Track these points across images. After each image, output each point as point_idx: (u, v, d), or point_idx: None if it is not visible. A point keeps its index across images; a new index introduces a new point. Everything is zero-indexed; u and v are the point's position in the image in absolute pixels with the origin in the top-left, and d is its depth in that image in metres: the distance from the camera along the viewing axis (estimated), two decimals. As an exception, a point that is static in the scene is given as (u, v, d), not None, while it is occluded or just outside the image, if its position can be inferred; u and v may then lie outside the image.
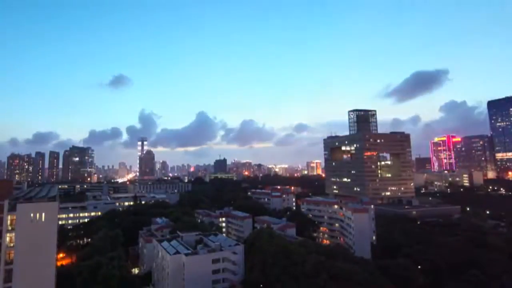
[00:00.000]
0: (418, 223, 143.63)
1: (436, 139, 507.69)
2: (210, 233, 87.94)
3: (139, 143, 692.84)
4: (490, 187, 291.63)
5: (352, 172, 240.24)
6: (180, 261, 65.21)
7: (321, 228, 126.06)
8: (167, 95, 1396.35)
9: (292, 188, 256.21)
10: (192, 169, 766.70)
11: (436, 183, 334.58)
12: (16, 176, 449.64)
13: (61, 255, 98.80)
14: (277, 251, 71.45)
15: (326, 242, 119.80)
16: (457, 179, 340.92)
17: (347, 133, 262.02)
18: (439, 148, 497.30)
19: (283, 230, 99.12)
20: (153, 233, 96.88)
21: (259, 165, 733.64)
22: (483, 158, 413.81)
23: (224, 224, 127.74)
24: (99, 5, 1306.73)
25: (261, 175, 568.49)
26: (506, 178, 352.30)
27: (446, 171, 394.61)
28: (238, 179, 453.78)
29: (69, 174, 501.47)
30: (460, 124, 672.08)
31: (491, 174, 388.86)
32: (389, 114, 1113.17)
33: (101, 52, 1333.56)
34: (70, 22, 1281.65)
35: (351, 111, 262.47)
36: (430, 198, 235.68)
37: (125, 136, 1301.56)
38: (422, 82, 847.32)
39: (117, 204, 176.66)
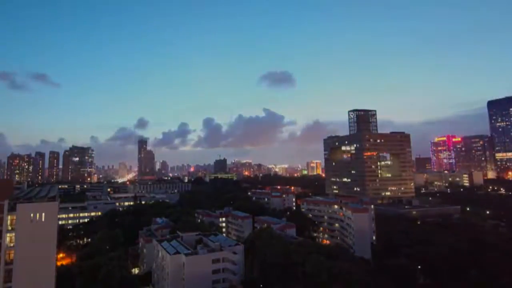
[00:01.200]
0: (418, 223, 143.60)
1: (436, 139, 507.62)
2: (210, 233, 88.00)
3: (139, 143, 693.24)
4: (490, 187, 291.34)
5: (352, 172, 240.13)
6: (180, 261, 65.24)
7: (321, 228, 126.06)
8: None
9: (292, 188, 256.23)
10: (192, 169, 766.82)
11: (436, 183, 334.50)
12: (16, 176, 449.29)
13: (61, 255, 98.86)
14: (277, 251, 71.52)
15: (326, 242, 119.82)
16: (457, 179, 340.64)
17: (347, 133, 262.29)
18: (439, 148, 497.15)
19: (283, 230, 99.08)
20: (153, 233, 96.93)
21: (259, 165, 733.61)
22: (483, 158, 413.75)
23: (224, 224, 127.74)
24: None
25: (261, 175, 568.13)
26: (506, 178, 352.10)
27: (446, 171, 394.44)
28: (238, 179, 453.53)
29: (69, 174, 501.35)
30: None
31: (491, 174, 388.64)
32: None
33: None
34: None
35: (351, 111, 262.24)
36: (430, 198, 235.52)
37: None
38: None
39: (117, 204, 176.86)
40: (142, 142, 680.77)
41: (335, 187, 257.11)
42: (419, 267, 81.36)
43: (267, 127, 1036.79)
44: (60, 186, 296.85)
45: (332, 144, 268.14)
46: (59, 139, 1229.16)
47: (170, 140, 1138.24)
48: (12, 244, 51.69)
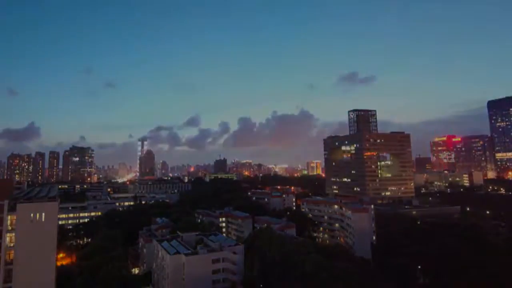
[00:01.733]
0: (418, 223, 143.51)
1: (436, 139, 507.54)
2: (210, 233, 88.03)
3: (139, 143, 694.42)
4: (490, 187, 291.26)
5: (352, 172, 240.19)
6: (180, 261, 65.25)
7: (321, 228, 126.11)
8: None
9: (292, 188, 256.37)
10: (192, 169, 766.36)
11: (436, 183, 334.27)
12: (16, 176, 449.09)
13: (61, 255, 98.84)
14: (277, 251, 71.54)
15: (326, 242, 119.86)
16: (457, 179, 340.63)
17: (347, 133, 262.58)
18: (439, 148, 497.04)
19: (283, 230, 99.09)
20: (153, 233, 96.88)
21: (259, 165, 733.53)
22: (483, 158, 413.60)
23: (224, 224, 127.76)
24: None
25: (261, 175, 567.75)
26: (506, 178, 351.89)
27: (446, 171, 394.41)
28: (238, 179, 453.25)
29: (69, 174, 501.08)
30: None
31: (491, 174, 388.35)
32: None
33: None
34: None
35: (351, 111, 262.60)
36: (430, 198, 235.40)
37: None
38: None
39: (117, 204, 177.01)
40: (142, 142, 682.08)
41: (335, 187, 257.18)
42: (419, 267, 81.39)
43: (299, 126, 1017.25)
44: (60, 186, 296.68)
45: (332, 144, 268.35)
46: (96, 136, 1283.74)
47: (206, 137, 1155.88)
48: (12, 244, 51.71)
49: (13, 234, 52.00)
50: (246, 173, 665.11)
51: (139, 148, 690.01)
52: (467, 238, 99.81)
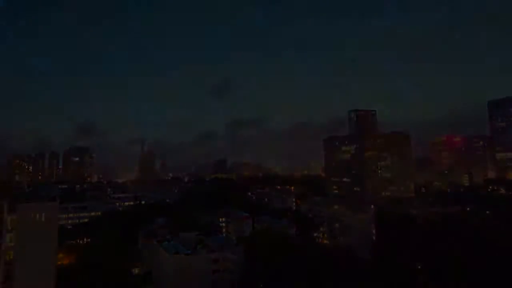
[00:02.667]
0: (418, 223, 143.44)
1: (436, 139, 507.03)
2: (210, 233, 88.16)
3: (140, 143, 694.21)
4: (490, 187, 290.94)
5: (352, 172, 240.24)
6: (180, 261, 65.31)
7: (321, 228, 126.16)
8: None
9: (292, 188, 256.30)
10: (192, 169, 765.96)
11: (436, 183, 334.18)
12: (16, 176, 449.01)
13: (61, 255, 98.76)
14: (277, 251, 71.55)
15: (326, 242, 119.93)
16: (457, 179, 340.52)
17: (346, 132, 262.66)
18: (439, 148, 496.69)
19: (283, 230, 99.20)
20: (153, 233, 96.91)
21: (259, 165, 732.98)
22: (483, 158, 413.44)
23: (224, 224, 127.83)
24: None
25: (261, 175, 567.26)
26: (506, 178, 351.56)
27: (446, 171, 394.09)
28: (238, 179, 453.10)
29: (69, 174, 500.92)
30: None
31: (491, 174, 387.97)
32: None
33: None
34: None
35: (351, 111, 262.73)
36: (430, 198, 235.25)
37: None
38: None
39: (117, 204, 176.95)
40: (143, 142, 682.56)
41: (335, 187, 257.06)
42: (419, 267, 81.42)
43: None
44: (60, 186, 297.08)
45: (332, 144, 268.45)
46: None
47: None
48: (12, 244, 51.72)
49: (13, 234, 52.01)
50: (246, 173, 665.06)
51: (139, 148, 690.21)
52: (467, 238, 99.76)
